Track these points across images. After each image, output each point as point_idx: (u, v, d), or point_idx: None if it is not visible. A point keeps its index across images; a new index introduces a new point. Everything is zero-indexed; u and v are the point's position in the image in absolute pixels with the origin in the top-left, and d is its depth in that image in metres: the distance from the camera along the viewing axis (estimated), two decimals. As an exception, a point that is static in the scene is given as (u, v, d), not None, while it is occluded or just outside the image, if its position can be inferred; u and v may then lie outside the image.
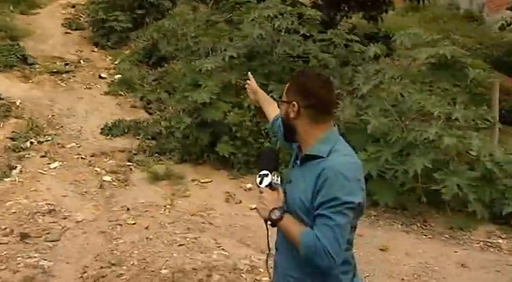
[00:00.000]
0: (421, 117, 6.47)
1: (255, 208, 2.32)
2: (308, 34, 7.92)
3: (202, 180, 7.05)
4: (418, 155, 5.88)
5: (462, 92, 6.68)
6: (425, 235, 5.98)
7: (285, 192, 2.27)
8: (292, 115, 2.23)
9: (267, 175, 2.28)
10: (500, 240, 5.84)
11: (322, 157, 2.15)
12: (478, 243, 5.80)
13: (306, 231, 2.09)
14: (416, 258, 5.35)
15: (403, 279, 4.96)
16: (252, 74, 3.17)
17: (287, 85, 2.31)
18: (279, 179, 2.30)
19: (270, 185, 2.27)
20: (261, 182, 2.28)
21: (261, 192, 2.27)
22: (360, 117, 6.54)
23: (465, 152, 6.18)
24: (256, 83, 3.07)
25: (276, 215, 2.16)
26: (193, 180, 7.04)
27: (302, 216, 2.15)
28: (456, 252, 5.56)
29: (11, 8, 13.11)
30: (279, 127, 2.61)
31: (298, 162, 2.29)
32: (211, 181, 7.08)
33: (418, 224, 6.19)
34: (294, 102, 2.21)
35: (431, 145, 6.05)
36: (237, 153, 7.22)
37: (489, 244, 5.77)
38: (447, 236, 5.95)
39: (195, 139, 7.35)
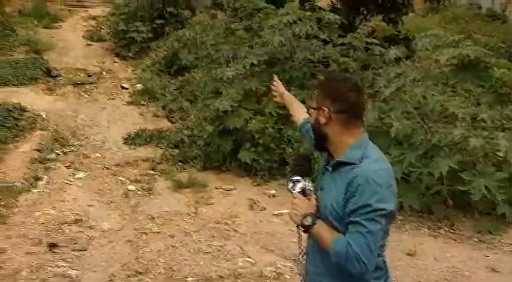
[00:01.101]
0: (445, 119, 6.34)
1: (286, 213, 2.34)
2: (327, 39, 7.90)
3: (225, 188, 7.04)
4: (443, 157, 5.76)
5: (486, 93, 6.56)
6: (454, 239, 5.84)
7: (317, 199, 2.26)
8: (322, 121, 2.20)
9: (298, 180, 2.28)
10: (532, 243, 5.69)
11: (353, 163, 2.13)
12: (509, 246, 5.65)
13: (338, 238, 2.08)
14: (444, 263, 5.23)
15: (432, 285, 4.88)
16: (273, 79, 3.17)
17: (316, 91, 2.28)
18: (311, 184, 2.29)
19: (303, 191, 2.26)
20: (293, 188, 2.28)
21: (293, 198, 2.26)
22: (383, 120, 6.46)
23: (492, 153, 6.03)
24: None
25: (308, 221, 2.16)
26: (216, 188, 7.03)
27: (334, 223, 2.14)
28: (486, 256, 5.41)
29: (35, 22, 13.41)
30: (307, 132, 2.61)
31: (329, 168, 2.27)
32: (234, 188, 7.07)
33: (446, 228, 6.05)
34: (324, 108, 2.19)
35: (456, 147, 5.93)
36: (259, 159, 7.20)
37: (521, 247, 5.63)
38: (476, 239, 5.80)
39: (217, 147, 7.37)
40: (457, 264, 5.21)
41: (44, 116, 8.83)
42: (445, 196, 6.06)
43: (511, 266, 5.20)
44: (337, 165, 2.20)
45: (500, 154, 5.94)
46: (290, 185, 2.28)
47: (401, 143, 6.31)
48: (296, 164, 2.39)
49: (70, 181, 6.96)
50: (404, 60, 7.55)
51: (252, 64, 7.49)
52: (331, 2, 11.03)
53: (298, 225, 2.22)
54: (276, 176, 7.15)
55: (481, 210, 6.10)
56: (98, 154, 7.98)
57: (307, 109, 2.44)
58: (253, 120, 7.25)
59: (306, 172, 2.31)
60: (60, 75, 10.71)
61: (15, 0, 13.88)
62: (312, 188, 2.27)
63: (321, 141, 2.27)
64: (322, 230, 2.14)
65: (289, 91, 3.19)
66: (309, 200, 2.23)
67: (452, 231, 6.02)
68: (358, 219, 2.02)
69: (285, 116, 7.01)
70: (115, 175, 7.34)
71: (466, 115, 5.95)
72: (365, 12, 10.66)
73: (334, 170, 2.22)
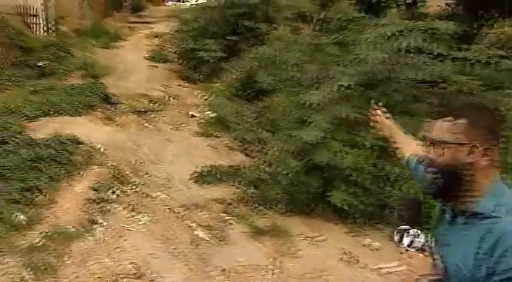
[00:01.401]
0: None
1: (387, 269, 2.26)
2: (436, 52, 7.68)
3: (313, 236, 7.01)
4: None
5: None
6: None
7: (433, 255, 2.15)
8: (467, 160, 2.05)
9: (407, 231, 2.20)
10: None
11: (491, 215, 2.00)
12: None
13: None
14: None
15: None
16: (371, 105, 3.10)
17: (457, 123, 2.08)
18: (422, 236, 2.19)
19: (412, 245, 2.18)
20: (400, 240, 2.20)
21: (406, 254, 2.18)
22: None
23: None
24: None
25: None
26: (302, 236, 7.01)
27: None
28: None
29: (93, 42, 14.10)
30: (418, 171, 2.51)
31: (456, 219, 2.15)
32: (323, 236, 7.02)
33: None
34: (476, 143, 2.04)
35: None
36: (354, 202, 7.08)
37: None
38: None
39: (303, 186, 7.34)
40: None
41: (102, 150, 9.14)
42: None
43: None
44: (468, 216, 2.08)
45: None
46: (396, 236, 2.21)
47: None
48: (405, 210, 2.31)
49: (130, 226, 7.10)
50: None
51: (345, 86, 7.39)
52: (447, 5, 10.73)
53: None
54: (375, 222, 7.06)
55: None
56: (162, 194, 8.12)
57: (422, 142, 2.30)
58: (348, 154, 7.17)
59: (417, 221, 2.23)
60: (120, 102, 11.16)
61: (72, 18, 14.67)
62: (424, 241, 2.18)
63: (452, 185, 2.10)
64: None
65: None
66: (424, 257, 2.14)
67: None
68: None
69: (387, 150, 6.87)
70: (182, 219, 7.43)
71: None
72: (485, 16, 10.28)
73: (460, 221, 2.10)
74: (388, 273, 5.90)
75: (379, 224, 7.08)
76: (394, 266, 5.37)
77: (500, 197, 2.02)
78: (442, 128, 2.09)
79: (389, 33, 7.36)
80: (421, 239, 2.17)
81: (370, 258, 6.35)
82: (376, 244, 6.74)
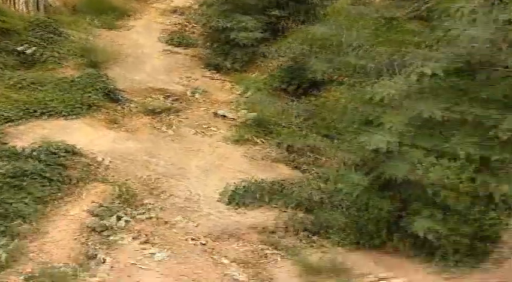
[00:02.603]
0: None
1: None
2: None
3: (385, 277, 6.93)
4: None
5: None
6: None
7: None
8: None
9: None
10: None
11: None
12: None
13: None
14: None
15: None
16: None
17: None
18: None
19: None
20: None
21: None
22: None
23: None
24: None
25: None
26: (370, 276, 6.94)
27: None
28: None
29: (93, 21, 14.12)
30: None
31: None
32: (401, 278, 6.91)
33: None
34: None
35: None
36: (443, 231, 6.90)
37: None
38: None
39: (372, 210, 7.27)
40: None
41: (105, 162, 9.15)
42: None
43: None
44: None
45: None
46: None
47: None
48: None
49: (142, 263, 7.04)
50: None
51: (429, 75, 7.20)
52: None
53: None
54: (475, 259, 6.87)
55: None
56: (183, 220, 8.12)
57: None
58: (433, 167, 6.96)
59: None
60: (128, 100, 11.19)
61: (65, -10, 14.76)
62: None
63: None
64: None
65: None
66: None
67: None
68: None
69: (490, 161, 6.68)
70: (210, 253, 7.42)
71: None
72: None
73: None
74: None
75: (481, 263, 6.91)
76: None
77: None
78: None
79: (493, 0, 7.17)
80: None
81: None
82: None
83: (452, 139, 7.03)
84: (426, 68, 7.25)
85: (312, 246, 7.55)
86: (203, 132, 10.51)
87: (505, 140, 6.20)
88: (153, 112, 10.94)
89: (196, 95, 11.67)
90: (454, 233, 6.92)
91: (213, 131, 10.56)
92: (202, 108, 11.27)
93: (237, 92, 11.72)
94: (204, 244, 7.59)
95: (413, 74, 7.33)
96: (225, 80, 12.24)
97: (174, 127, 10.65)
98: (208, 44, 12.89)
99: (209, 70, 12.60)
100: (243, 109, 10.96)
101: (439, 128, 7.29)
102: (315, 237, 7.70)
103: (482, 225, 6.86)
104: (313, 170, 8.98)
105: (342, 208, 7.62)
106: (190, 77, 12.33)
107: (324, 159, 9.12)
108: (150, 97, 11.46)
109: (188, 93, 11.76)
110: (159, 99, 11.48)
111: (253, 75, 12.05)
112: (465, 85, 7.07)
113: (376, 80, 7.81)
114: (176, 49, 13.42)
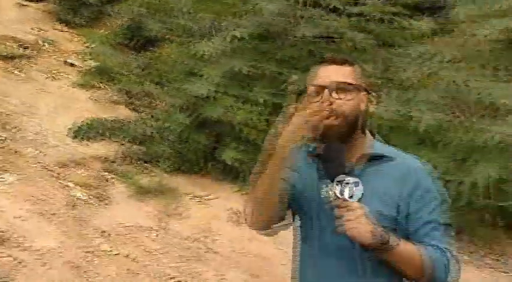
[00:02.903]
0: (483, 110, 6.63)
1: (337, 228, 2.10)
2: (332, 6, 8.22)
3: (201, 195, 7.52)
4: (490, 162, 5.97)
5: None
6: (505, 272, 6.03)
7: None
8: (364, 106, 2.25)
9: (345, 182, 2.16)
10: None
11: (387, 157, 2.23)
12: None
13: (428, 250, 2.12)
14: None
15: None
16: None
17: (355, 68, 2.27)
18: (360, 183, 2.19)
19: (354, 195, 2.16)
20: (341, 192, 2.13)
21: (345, 206, 2.09)
22: (407, 113, 6.75)
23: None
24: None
25: (392, 238, 2.05)
26: (189, 195, 7.49)
27: None
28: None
29: None
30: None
31: (359, 167, 2.24)
32: (212, 196, 7.54)
33: (493, 256, 6.27)
34: (368, 90, 2.29)
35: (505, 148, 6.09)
36: (245, 160, 7.58)
37: None
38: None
39: (192, 143, 7.88)
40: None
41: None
42: (492, 214, 6.38)
43: None
44: (368, 161, 2.25)
45: None
46: (337, 188, 2.13)
47: (425, 141, 6.73)
48: (331, 154, 2.19)
49: (-6, 186, 7.06)
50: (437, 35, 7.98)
51: (238, 38, 7.94)
52: None
53: (368, 245, 2.05)
54: None
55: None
56: (34, 151, 8.25)
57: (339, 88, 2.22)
58: (240, 110, 7.73)
59: (343, 170, 2.17)
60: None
61: None
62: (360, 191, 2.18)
63: (349, 134, 2.25)
64: (408, 246, 2.11)
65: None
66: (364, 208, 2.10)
67: (502, 260, 6.24)
68: (433, 218, 2.19)
69: (281, 106, 7.37)
70: (57, 178, 7.64)
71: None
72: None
73: (364, 169, 2.24)
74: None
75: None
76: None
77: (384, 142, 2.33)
78: (344, 72, 2.22)
79: None
80: (360, 187, 2.16)
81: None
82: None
83: (255, 89, 7.80)
84: (236, 32, 7.98)
85: (143, 172, 7.97)
86: (53, 77, 10.56)
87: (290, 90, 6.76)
88: (5, 57, 10.79)
89: (47, 45, 11.63)
90: (253, 161, 7.65)
91: (62, 76, 10.64)
92: (53, 57, 11.27)
93: (85, 45, 11.64)
94: (52, 171, 7.75)
95: (228, 36, 8.02)
96: (73, 34, 12.21)
97: (25, 71, 10.60)
98: (58, 1, 12.72)
99: (59, 24, 12.50)
100: (89, 59, 11.07)
101: (245, 80, 8.02)
102: (146, 165, 8.12)
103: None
104: (147, 111, 9.29)
105: (168, 142, 8.03)
106: (41, 29, 12.16)
107: (157, 102, 9.36)
108: (3, 44, 11.21)
109: (40, 42, 11.65)
110: (12, 46, 11.27)
111: (101, 31, 12.00)
112: (265, 48, 7.82)
113: (200, 40, 8.34)
114: (28, 3, 13.00)
